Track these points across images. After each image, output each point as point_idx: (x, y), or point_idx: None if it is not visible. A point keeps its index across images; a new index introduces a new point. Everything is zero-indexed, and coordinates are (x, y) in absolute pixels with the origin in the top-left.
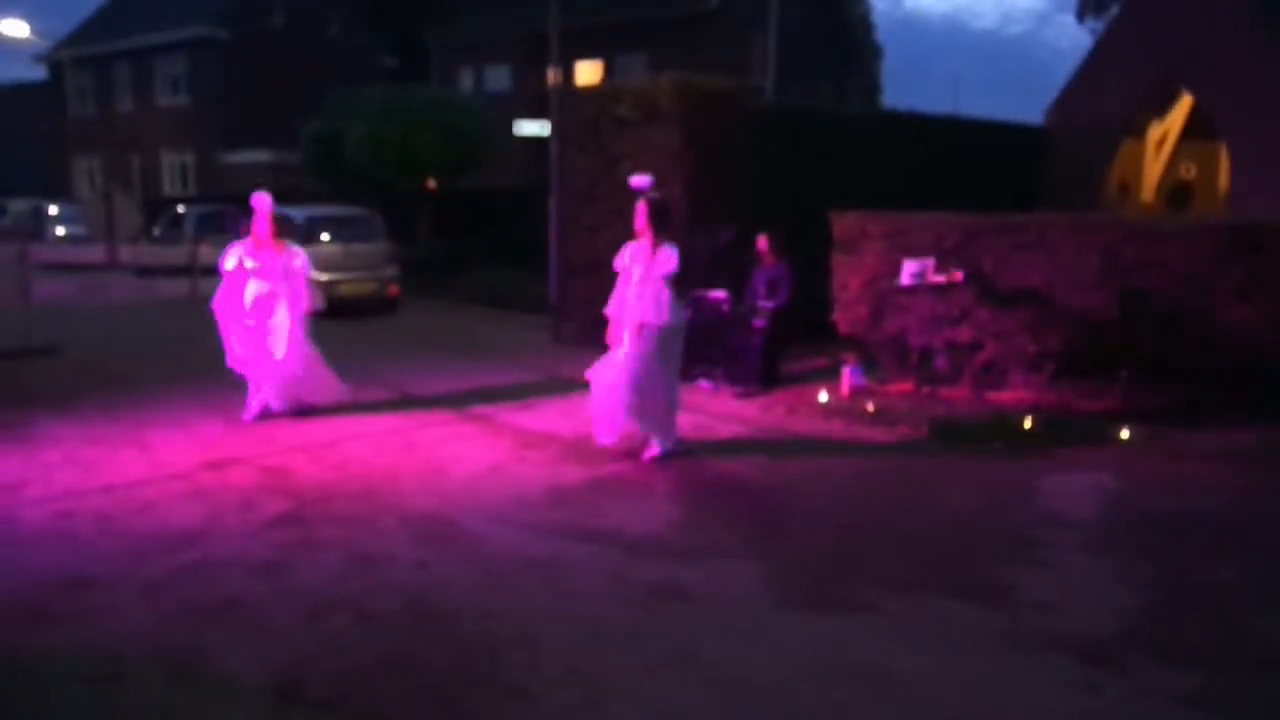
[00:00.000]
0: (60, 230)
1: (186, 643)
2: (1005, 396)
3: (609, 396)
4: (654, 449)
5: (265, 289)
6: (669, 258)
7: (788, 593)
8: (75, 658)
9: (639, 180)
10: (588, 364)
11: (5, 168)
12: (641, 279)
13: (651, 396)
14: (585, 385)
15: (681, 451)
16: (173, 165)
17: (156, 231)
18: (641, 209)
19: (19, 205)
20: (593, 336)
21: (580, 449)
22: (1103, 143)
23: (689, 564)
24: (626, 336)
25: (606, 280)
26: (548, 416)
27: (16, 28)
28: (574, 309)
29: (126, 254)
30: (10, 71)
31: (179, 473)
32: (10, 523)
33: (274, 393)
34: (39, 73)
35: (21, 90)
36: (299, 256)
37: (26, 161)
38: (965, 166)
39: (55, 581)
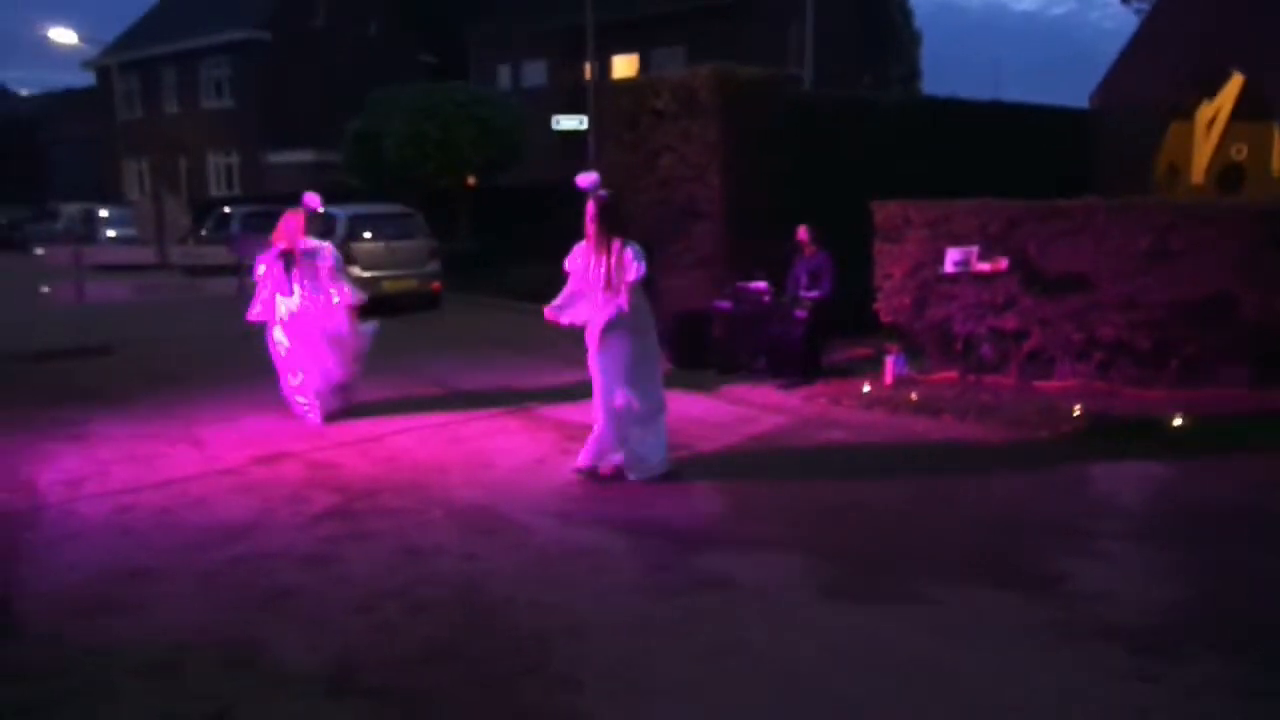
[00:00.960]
0: (111, 232)
1: (242, 632)
2: (1052, 385)
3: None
4: (616, 460)
5: (296, 305)
6: (633, 264)
7: (835, 584)
8: (137, 647)
9: (585, 179)
10: None
11: (57, 173)
12: (606, 286)
13: (642, 407)
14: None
15: (666, 472)
16: (218, 166)
17: (204, 231)
18: (590, 209)
19: (71, 209)
20: None
21: None
22: (1150, 125)
23: (734, 555)
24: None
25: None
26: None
27: (64, 35)
28: None
29: (176, 254)
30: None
31: (231, 468)
32: (71, 517)
33: (326, 400)
34: (87, 79)
35: (71, 96)
36: (324, 252)
37: (77, 166)
38: (1008, 152)
39: (116, 573)
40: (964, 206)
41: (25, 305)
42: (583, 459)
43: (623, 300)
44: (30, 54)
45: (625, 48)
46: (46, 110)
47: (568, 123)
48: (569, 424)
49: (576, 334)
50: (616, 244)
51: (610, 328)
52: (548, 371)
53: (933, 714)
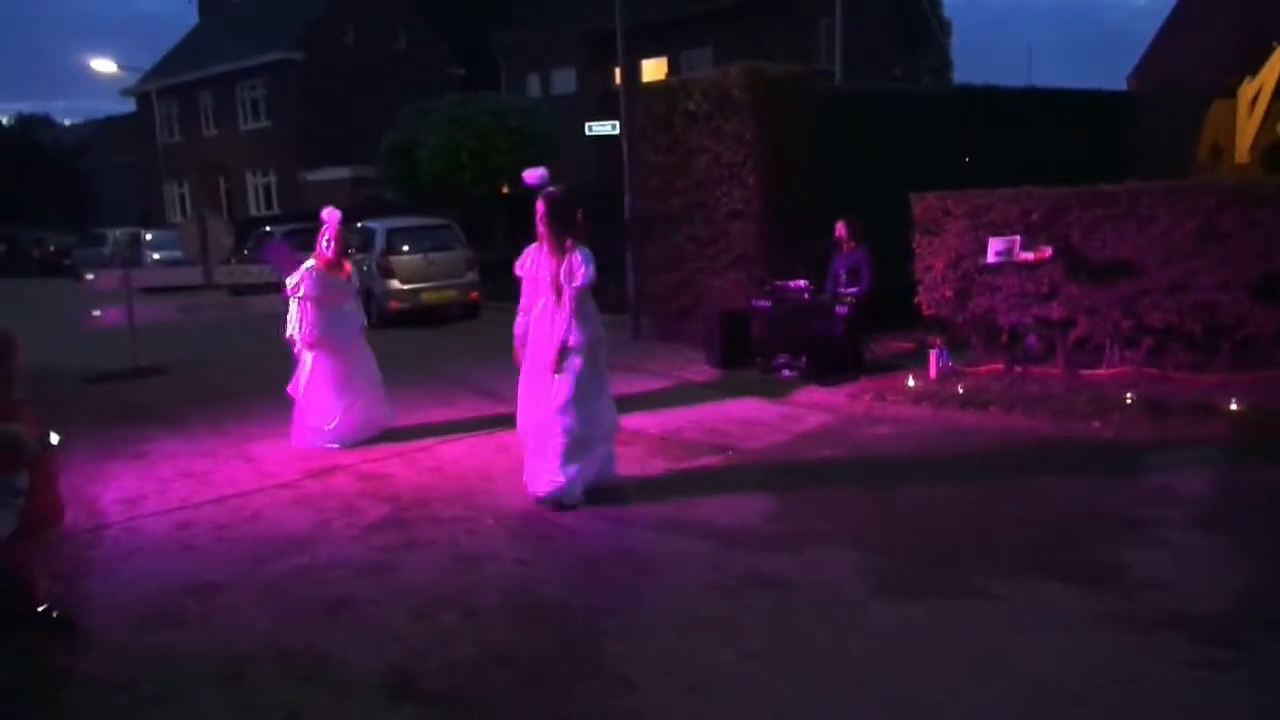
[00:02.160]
0: (156, 255)
1: (303, 642)
2: (1101, 374)
3: (542, 437)
4: (557, 482)
5: (341, 313)
6: (581, 269)
7: (888, 580)
8: (203, 658)
9: (532, 175)
10: (666, 359)
11: (102, 198)
12: (553, 292)
13: (589, 427)
14: (667, 380)
15: (613, 496)
16: (256, 186)
17: (245, 251)
18: (539, 208)
19: (117, 234)
20: (672, 332)
21: (667, 443)
22: (1191, 105)
23: (784, 553)
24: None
25: (684, 275)
26: (633, 412)
27: (105, 65)
28: (652, 305)
29: (221, 274)
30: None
31: (284, 482)
32: (134, 534)
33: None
34: (128, 106)
35: (113, 124)
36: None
37: (121, 191)
38: (1045, 139)
39: (179, 587)
40: (1004, 195)
41: (79, 329)
42: (537, 487)
43: (567, 309)
44: (74, 85)
45: (653, 51)
46: (90, 138)
47: (600, 128)
48: None
49: (614, 338)
50: (568, 247)
51: (553, 340)
52: None
53: (996, 707)
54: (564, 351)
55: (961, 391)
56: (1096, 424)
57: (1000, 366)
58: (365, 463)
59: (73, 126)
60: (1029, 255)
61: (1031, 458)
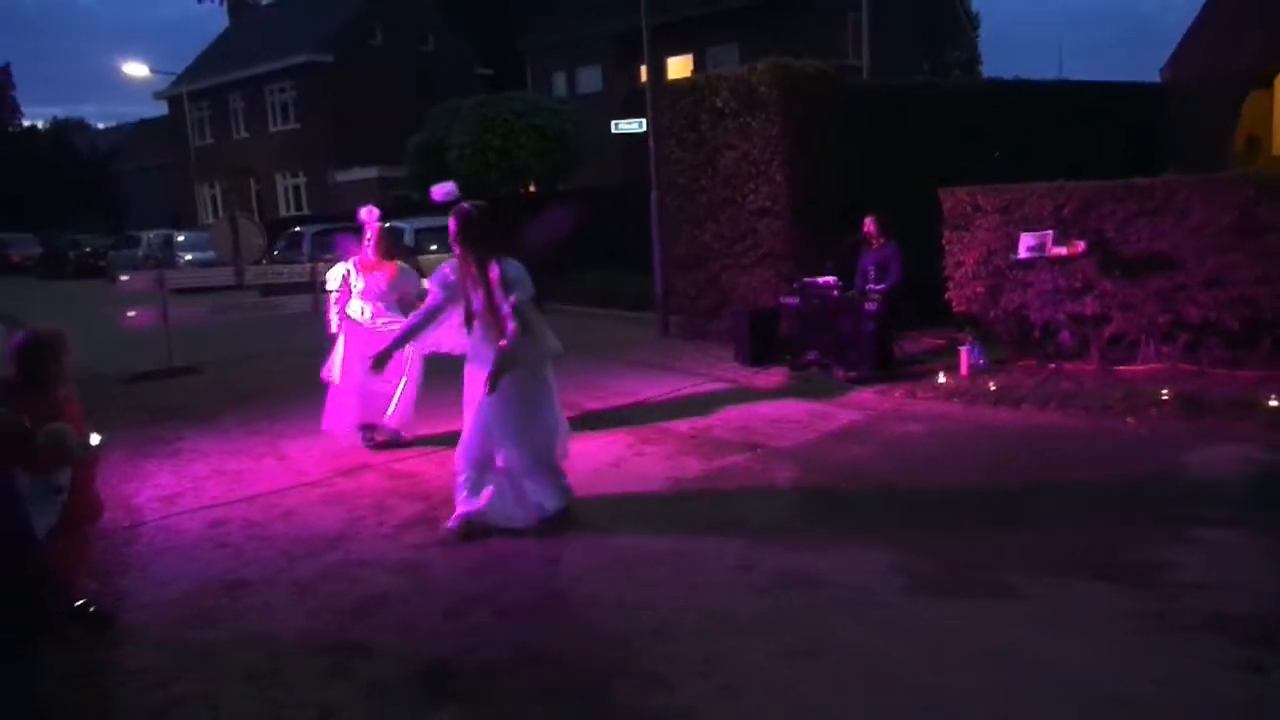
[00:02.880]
0: (188, 256)
1: (339, 639)
2: (1136, 370)
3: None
4: (470, 506)
5: (371, 310)
6: (511, 287)
7: (922, 579)
8: (240, 654)
9: (440, 190)
10: (694, 357)
11: (135, 201)
12: (483, 309)
13: (533, 447)
14: (696, 378)
15: (555, 519)
16: (286, 187)
17: (276, 251)
18: (451, 226)
19: (151, 235)
20: (700, 330)
21: (697, 441)
22: (1226, 96)
23: (817, 552)
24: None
25: (712, 273)
26: (661, 410)
27: (137, 69)
28: (680, 303)
29: (252, 275)
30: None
31: (316, 480)
32: (169, 532)
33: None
34: (160, 109)
35: (145, 127)
36: (411, 276)
37: (153, 194)
38: (1077, 132)
39: (213, 585)
40: (1036, 190)
41: (114, 330)
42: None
43: (507, 332)
44: (107, 89)
45: (678, 48)
46: (123, 142)
47: (626, 126)
48: (642, 426)
49: (643, 336)
50: (490, 265)
51: (510, 363)
52: (617, 374)
53: (1031, 709)
54: (502, 366)
55: (993, 388)
56: (1131, 420)
57: (1033, 363)
58: (396, 462)
59: (106, 130)
60: (1062, 250)
61: (1066, 455)
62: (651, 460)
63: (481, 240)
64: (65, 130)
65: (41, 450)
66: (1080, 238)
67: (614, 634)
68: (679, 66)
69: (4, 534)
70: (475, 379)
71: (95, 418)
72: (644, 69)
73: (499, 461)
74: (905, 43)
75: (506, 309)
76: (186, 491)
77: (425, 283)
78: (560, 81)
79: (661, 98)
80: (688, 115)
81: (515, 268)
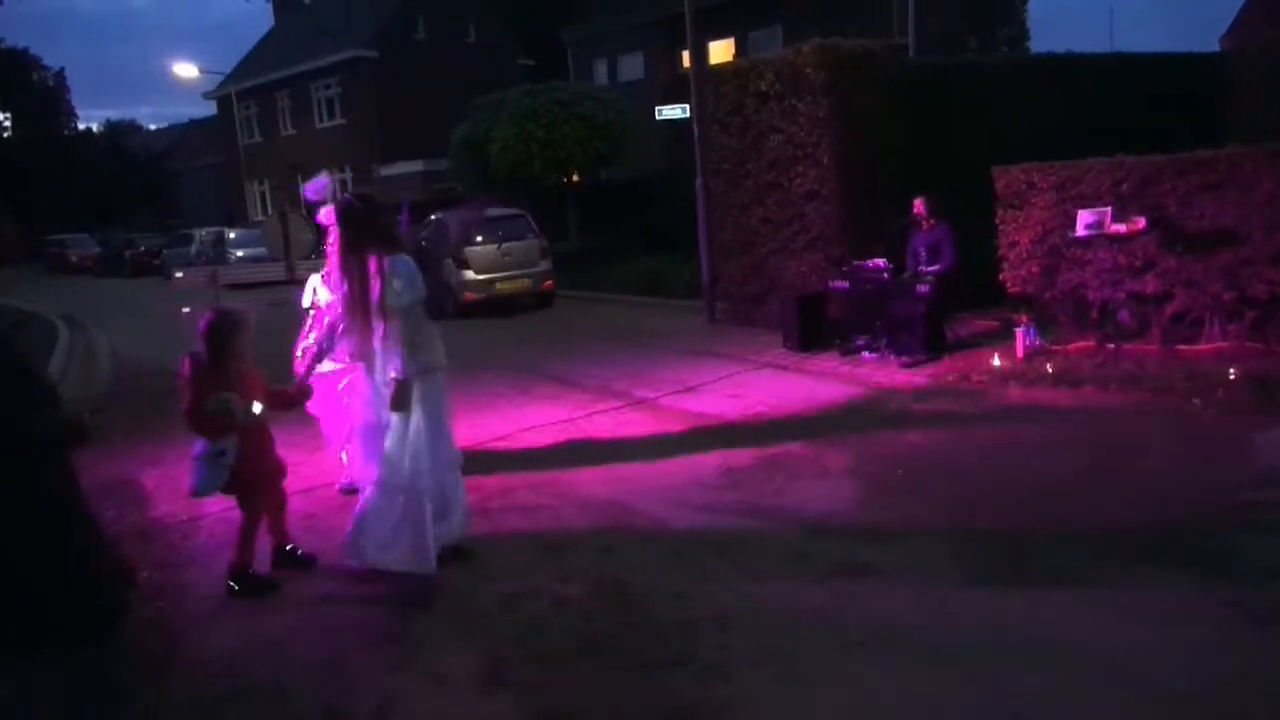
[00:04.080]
0: (239, 252)
1: (398, 629)
2: (1200, 349)
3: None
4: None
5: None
6: (396, 286)
7: (983, 567)
8: (299, 646)
9: (312, 187)
10: (743, 344)
11: (187, 199)
12: (362, 319)
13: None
14: (745, 365)
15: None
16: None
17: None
18: (331, 219)
19: (203, 233)
20: (748, 315)
21: (749, 429)
22: None
23: (874, 540)
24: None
25: (759, 258)
26: (712, 398)
27: (186, 70)
28: (727, 290)
29: (303, 269)
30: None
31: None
32: (229, 523)
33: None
34: (209, 108)
35: (195, 126)
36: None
37: (205, 192)
38: (1132, 106)
39: (274, 575)
40: (1093, 165)
41: (170, 326)
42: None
43: (382, 336)
44: (159, 91)
45: (721, 33)
46: (175, 142)
47: (670, 112)
48: (692, 414)
49: (690, 324)
50: (372, 262)
51: (375, 378)
52: (665, 362)
53: (1097, 704)
54: (402, 387)
55: (1051, 370)
56: (1197, 401)
57: (1091, 344)
58: None
59: (158, 131)
60: (1121, 227)
61: (1130, 438)
62: (702, 451)
63: (367, 234)
64: (119, 132)
65: (210, 417)
66: (1140, 214)
67: (671, 624)
68: (721, 51)
69: (64, 523)
70: (363, 399)
71: (151, 411)
72: (686, 54)
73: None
74: (952, 20)
75: (385, 312)
76: None
77: (467, 274)
78: (602, 70)
79: (705, 83)
80: (732, 100)
81: (404, 263)
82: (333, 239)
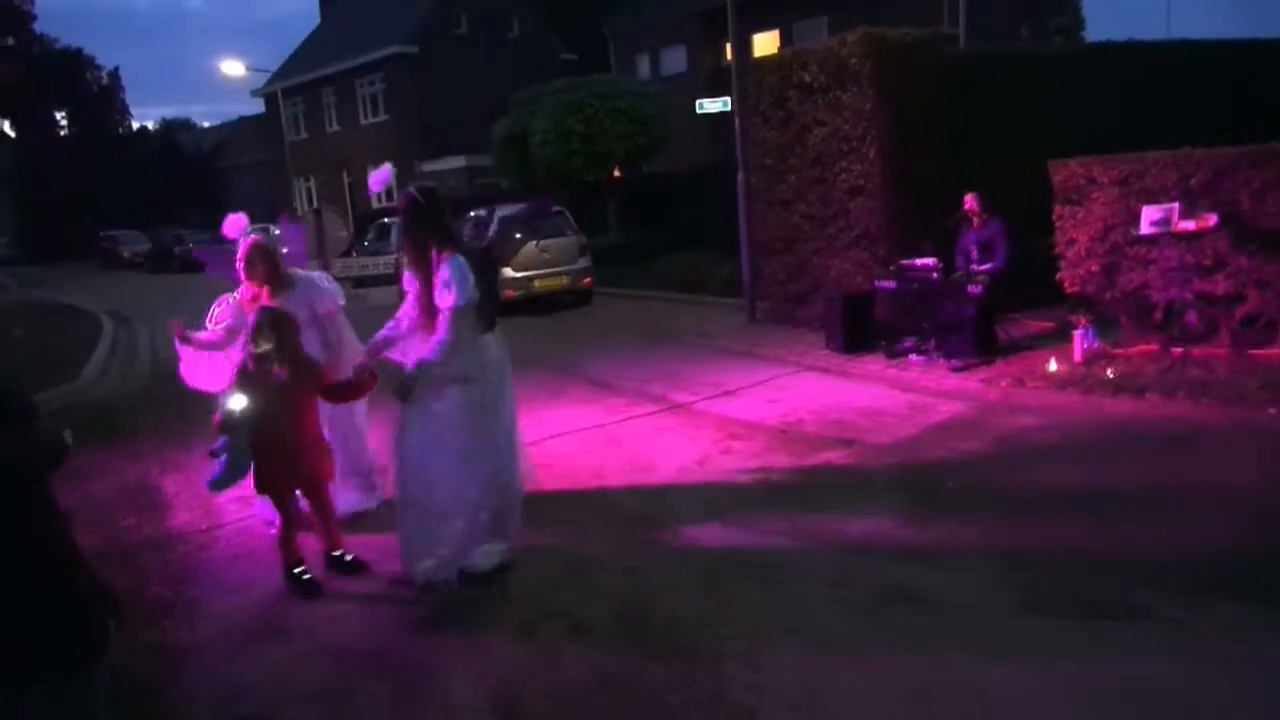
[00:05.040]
0: (284, 250)
1: (407, 657)
2: (1275, 354)
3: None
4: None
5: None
6: (452, 285)
7: (1040, 596)
8: (305, 672)
9: (376, 178)
10: (784, 344)
11: (236, 196)
12: (423, 316)
13: (454, 492)
14: (786, 367)
15: (485, 575)
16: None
17: (365, 242)
18: (400, 210)
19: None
20: (790, 315)
21: (789, 437)
22: None
23: (921, 564)
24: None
25: (802, 256)
26: (751, 403)
27: (234, 68)
28: (768, 288)
29: (338, 267)
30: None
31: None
32: (245, 535)
33: None
34: (258, 106)
35: (244, 124)
36: (316, 289)
37: (253, 188)
38: (1197, 96)
39: (284, 595)
40: (1159, 158)
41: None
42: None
43: (440, 335)
44: (214, 89)
45: (764, 25)
46: (225, 139)
47: (711, 106)
48: (729, 420)
49: (730, 322)
50: (434, 257)
51: (426, 375)
52: (703, 363)
53: None
54: (419, 373)
55: (1112, 375)
56: (1273, 411)
57: (1155, 347)
58: None
59: (210, 128)
60: (1190, 224)
61: (1200, 452)
62: (740, 457)
63: (430, 229)
64: (172, 130)
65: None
66: (1211, 210)
67: (698, 656)
68: (765, 43)
69: (40, 553)
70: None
71: (183, 413)
72: (729, 47)
73: (426, 485)
74: (1001, 10)
75: (444, 310)
76: None
77: (506, 271)
78: (644, 64)
79: (747, 75)
80: (775, 92)
81: (456, 264)
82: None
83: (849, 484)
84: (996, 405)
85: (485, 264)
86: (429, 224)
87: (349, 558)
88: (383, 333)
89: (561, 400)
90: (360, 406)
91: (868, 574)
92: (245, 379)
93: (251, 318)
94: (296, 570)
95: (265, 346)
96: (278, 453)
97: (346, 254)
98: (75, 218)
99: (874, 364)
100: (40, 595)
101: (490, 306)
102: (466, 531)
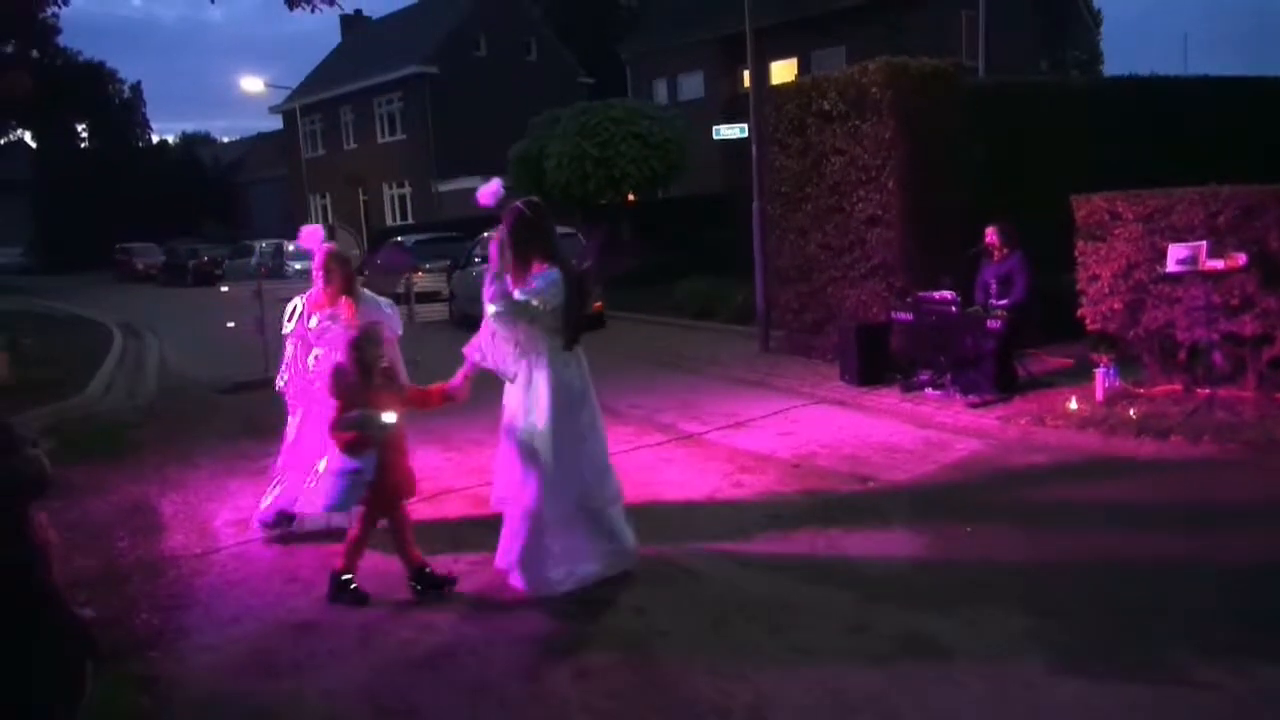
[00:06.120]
0: (297, 265)
1: (403, 701)
2: None
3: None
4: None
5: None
6: (540, 284)
7: (1068, 654)
8: (291, 714)
9: (486, 191)
10: (798, 375)
11: (254, 211)
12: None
13: (558, 500)
14: (799, 398)
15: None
16: (392, 198)
17: (379, 261)
18: (504, 226)
19: (263, 245)
20: (804, 345)
21: (801, 470)
22: None
23: (942, 612)
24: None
25: (817, 285)
26: (762, 434)
27: (253, 84)
28: (782, 317)
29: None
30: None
31: None
32: (242, 560)
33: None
34: (276, 122)
35: (263, 140)
36: (377, 308)
37: (270, 204)
38: (1219, 132)
39: (278, 626)
40: (1186, 195)
41: (217, 338)
42: (514, 580)
43: (518, 339)
44: (234, 105)
45: (783, 52)
46: (243, 154)
47: (728, 132)
48: (740, 451)
49: (743, 351)
50: (534, 269)
51: (517, 382)
52: (714, 392)
53: None
54: (527, 397)
55: (1135, 416)
56: None
57: (1178, 388)
58: (479, 486)
59: (229, 144)
60: (1218, 263)
61: (1230, 501)
62: (750, 493)
63: (532, 241)
64: (191, 144)
65: (343, 435)
66: (1239, 248)
67: (704, 709)
68: (783, 71)
69: (12, 592)
70: (509, 406)
71: (189, 429)
72: (747, 73)
73: (527, 494)
74: (1021, 43)
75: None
76: None
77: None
78: (661, 88)
79: (765, 102)
80: (793, 119)
81: (553, 276)
82: (381, 258)
83: (864, 523)
84: (1015, 444)
85: (581, 284)
86: (536, 237)
87: (436, 573)
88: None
89: None
90: None
91: (885, 621)
92: (364, 394)
93: (351, 332)
94: (347, 578)
95: (380, 358)
96: (397, 466)
97: (359, 271)
98: (92, 229)
99: (889, 397)
100: (15, 638)
101: (575, 324)
102: (587, 537)
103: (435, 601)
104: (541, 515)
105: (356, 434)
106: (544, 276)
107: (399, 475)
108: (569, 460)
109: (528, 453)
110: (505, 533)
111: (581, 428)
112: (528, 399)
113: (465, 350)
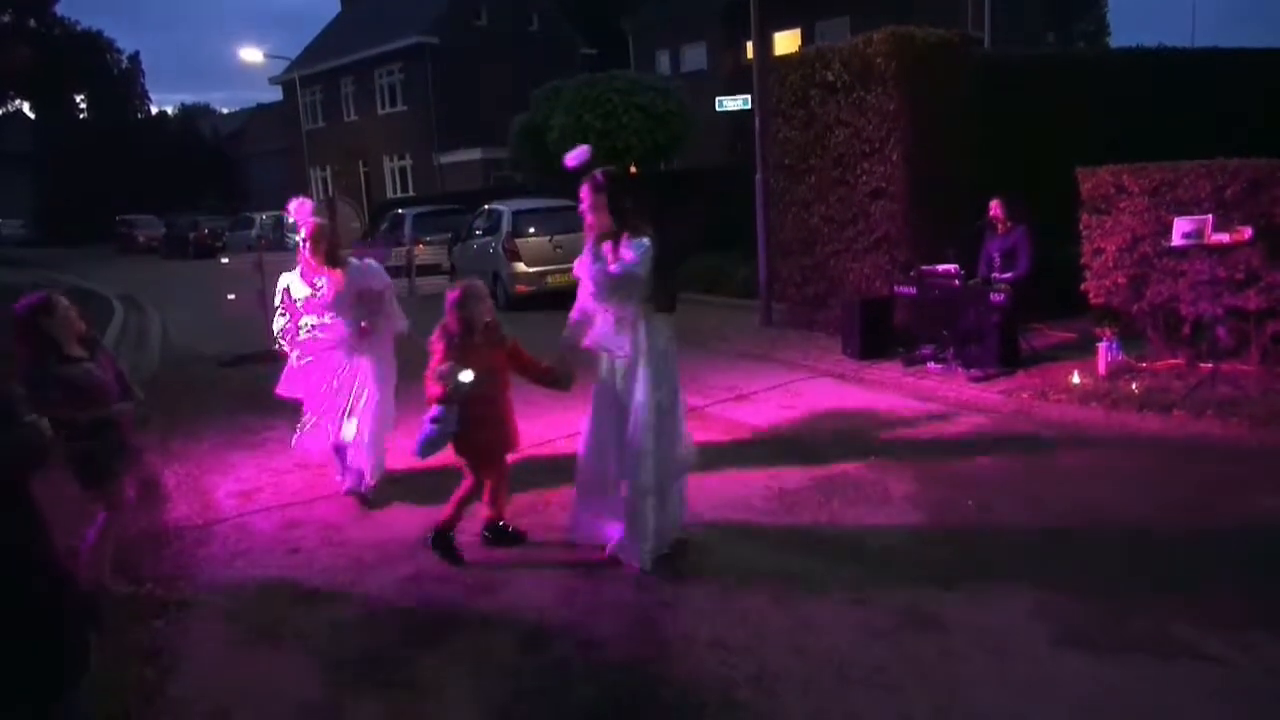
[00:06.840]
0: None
1: (402, 671)
2: None
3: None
4: (625, 552)
5: (317, 324)
6: (627, 255)
7: (1074, 627)
8: (298, 683)
9: (574, 156)
10: (800, 349)
11: (253, 183)
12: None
13: (647, 469)
14: (801, 372)
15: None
16: (393, 170)
17: (380, 234)
18: (582, 195)
19: (263, 217)
20: (806, 319)
21: (802, 445)
22: None
23: (945, 586)
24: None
25: (820, 259)
26: (765, 408)
27: (252, 54)
28: (785, 291)
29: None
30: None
31: (399, 478)
32: (244, 531)
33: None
34: (276, 94)
35: (262, 111)
36: (372, 275)
37: (269, 176)
38: (1228, 105)
39: (281, 595)
40: (1192, 169)
41: (219, 311)
42: (624, 555)
43: (623, 314)
44: (234, 76)
45: (786, 23)
46: (243, 126)
47: (731, 103)
48: (742, 425)
49: (745, 324)
50: (624, 238)
51: (610, 357)
52: (716, 366)
53: None
54: (623, 372)
55: (1138, 390)
56: None
57: (1182, 362)
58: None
59: (228, 115)
60: (1224, 237)
61: (1232, 474)
62: (752, 465)
63: (618, 210)
64: (190, 116)
65: (432, 386)
66: (1244, 222)
67: (708, 681)
68: (786, 42)
69: (17, 565)
70: (599, 379)
71: (191, 402)
72: (750, 44)
73: (614, 464)
74: (1027, 14)
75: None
76: (266, 486)
77: (519, 266)
78: (664, 60)
79: (768, 73)
80: (796, 91)
81: (640, 244)
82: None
83: (865, 496)
84: (1018, 418)
85: (661, 260)
86: (619, 206)
87: (511, 528)
88: (572, 322)
89: (571, 402)
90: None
91: (887, 594)
92: (463, 350)
93: (454, 292)
94: (451, 534)
95: (484, 318)
96: (492, 420)
97: (363, 240)
98: (92, 202)
99: (891, 371)
100: (16, 616)
101: (670, 289)
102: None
103: (439, 573)
104: (645, 486)
105: (441, 387)
106: (639, 245)
107: (493, 431)
108: (662, 431)
109: (633, 424)
110: (601, 506)
111: (670, 395)
112: (630, 372)
113: (584, 344)
